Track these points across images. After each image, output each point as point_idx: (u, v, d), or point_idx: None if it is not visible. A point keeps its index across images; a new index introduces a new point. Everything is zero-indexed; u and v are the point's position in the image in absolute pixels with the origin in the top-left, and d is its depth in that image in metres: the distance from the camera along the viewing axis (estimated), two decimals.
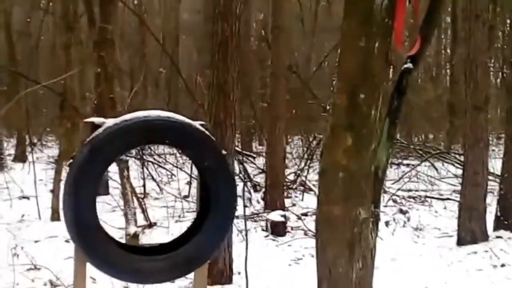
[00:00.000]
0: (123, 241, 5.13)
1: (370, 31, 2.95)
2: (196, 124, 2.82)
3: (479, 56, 6.62)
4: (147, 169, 10.75)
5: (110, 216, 7.64)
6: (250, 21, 19.62)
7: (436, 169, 13.03)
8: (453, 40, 18.68)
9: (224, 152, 2.88)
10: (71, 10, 10.16)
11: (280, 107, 9.30)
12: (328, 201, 3.10)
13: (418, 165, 12.63)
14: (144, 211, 7.72)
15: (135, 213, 6.07)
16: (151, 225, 7.57)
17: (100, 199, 5.14)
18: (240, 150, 11.63)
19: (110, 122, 2.70)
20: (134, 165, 10.43)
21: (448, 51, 22.52)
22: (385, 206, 9.42)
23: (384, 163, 3.39)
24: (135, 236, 5.57)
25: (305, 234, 7.52)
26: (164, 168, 12.14)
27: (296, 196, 10.24)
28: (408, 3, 2.98)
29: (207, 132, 2.80)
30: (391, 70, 5.28)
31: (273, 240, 7.37)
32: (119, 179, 6.68)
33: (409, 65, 3.32)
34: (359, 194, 3.09)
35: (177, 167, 11.74)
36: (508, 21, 18.55)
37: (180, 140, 2.76)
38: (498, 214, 7.48)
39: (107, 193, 9.47)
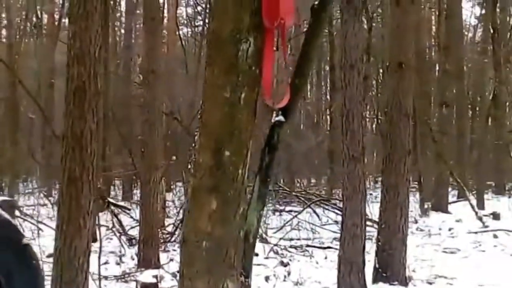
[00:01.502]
0: None
1: (235, 80, 2.62)
2: None
3: (354, 105, 6.60)
4: None
5: None
6: (130, 65, 19.12)
7: (318, 216, 13.03)
8: (332, 88, 19.29)
9: (26, 241, 2.25)
10: None
11: (156, 154, 8.80)
12: (191, 274, 2.69)
13: (300, 212, 12.55)
14: None
15: None
16: None
17: None
18: (113, 201, 10.91)
19: None
20: None
21: (328, 97, 23.26)
22: (266, 258, 9.11)
23: (255, 226, 3.05)
24: None
25: None
26: None
27: (175, 250, 9.62)
28: (276, 50, 2.67)
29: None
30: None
31: None
32: None
33: (280, 118, 3.00)
34: (227, 265, 2.71)
35: None
36: (381, 70, 19.54)
37: None
38: (377, 266, 7.42)
39: None
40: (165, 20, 21.89)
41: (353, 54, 6.39)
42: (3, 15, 23.18)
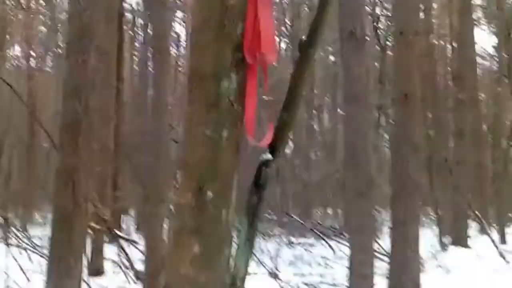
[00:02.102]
0: None
1: (217, 118, 2.52)
2: None
3: (361, 137, 6.41)
4: None
5: None
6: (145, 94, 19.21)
7: (332, 249, 12.78)
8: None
9: None
10: None
11: (162, 185, 8.69)
12: None
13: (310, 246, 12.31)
14: None
15: None
16: None
17: None
18: (120, 234, 10.80)
19: None
20: None
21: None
22: None
23: (243, 270, 2.90)
24: None
25: None
26: None
27: None
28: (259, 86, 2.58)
29: None
30: None
31: None
32: None
33: (268, 156, 2.88)
34: None
35: None
36: None
37: None
38: None
39: None
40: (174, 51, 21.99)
41: (357, 86, 6.22)
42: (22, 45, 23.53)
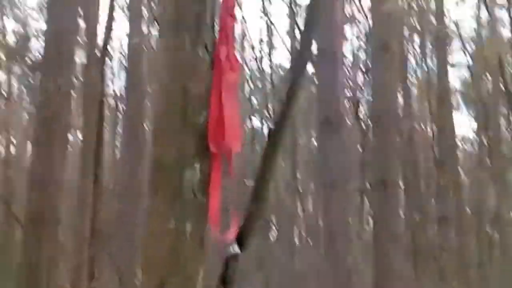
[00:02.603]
0: None
1: (180, 210, 2.39)
2: None
3: (338, 227, 6.23)
4: None
5: None
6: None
7: None
8: None
9: None
10: None
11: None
12: None
13: None
14: None
15: None
16: None
17: None
18: None
19: None
20: None
21: None
22: None
23: None
24: None
25: None
26: None
27: None
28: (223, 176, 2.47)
29: None
30: None
31: None
32: None
33: (235, 249, 2.72)
34: None
35: None
36: None
37: None
38: None
39: None
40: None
41: (334, 171, 6.10)
42: None
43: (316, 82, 6.83)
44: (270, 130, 2.79)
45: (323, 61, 6.44)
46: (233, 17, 2.56)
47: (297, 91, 2.78)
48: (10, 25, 19.68)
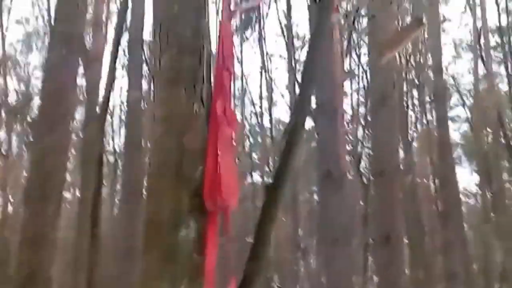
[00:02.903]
0: None
1: (175, 270, 2.29)
2: None
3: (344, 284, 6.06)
4: None
5: None
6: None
7: None
8: None
9: None
10: None
11: None
12: None
13: None
14: None
15: None
16: None
17: None
18: None
19: None
20: None
21: None
22: None
23: None
24: None
25: None
26: None
27: None
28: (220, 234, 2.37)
29: None
30: None
31: None
32: None
33: None
34: None
35: None
36: None
37: None
38: None
39: None
40: None
41: (335, 227, 5.96)
42: None
43: (317, 137, 6.77)
44: (267, 186, 2.70)
45: (323, 116, 6.41)
46: (229, 71, 2.52)
47: (295, 146, 2.72)
48: (13, 84, 19.86)
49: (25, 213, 4.22)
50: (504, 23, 17.04)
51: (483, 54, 16.54)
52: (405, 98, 17.50)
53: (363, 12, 13.44)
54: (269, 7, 18.58)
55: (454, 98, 19.86)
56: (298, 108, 2.82)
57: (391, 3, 7.40)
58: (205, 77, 2.47)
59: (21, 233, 4.16)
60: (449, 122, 17.09)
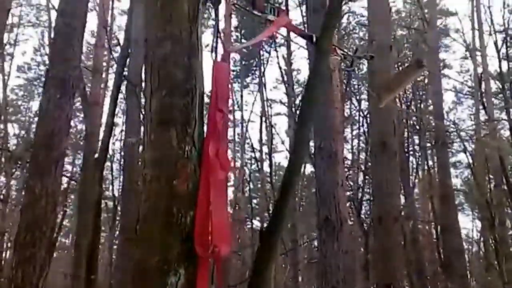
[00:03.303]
0: None
1: None
2: None
3: None
4: None
5: None
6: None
7: None
8: None
9: None
10: None
11: None
12: None
13: None
14: None
15: None
16: None
17: None
18: None
19: None
20: None
21: None
22: None
23: None
24: None
25: None
26: None
27: None
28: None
29: None
30: None
31: None
32: None
33: None
34: None
35: None
36: None
37: None
38: None
39: None
40: None
41: (334, 275, 5.80)
42: None
43: (316, 182, 6.66)
44: (261, 232, 2.59)
45: (323, 161, 6.33)
46: (222, 112, 2.43)
47: (291, 188, 2.62)
48: (14, 130, 19.93)
49: (14, 259, 4.10)
50: (505, 68, 17.14)
51: (485, 99, 16.55)
52: (405, 143, 17.48)
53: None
54: (269, 53, 18.82)
55: (456, 144, 19.79)
56: (294, 150, 2.73)
57: (391, 49, 7.43)
58: (197, 118, 2.39)
59: (9, 280, 4.02)
60: (451, 168, 17.03)
